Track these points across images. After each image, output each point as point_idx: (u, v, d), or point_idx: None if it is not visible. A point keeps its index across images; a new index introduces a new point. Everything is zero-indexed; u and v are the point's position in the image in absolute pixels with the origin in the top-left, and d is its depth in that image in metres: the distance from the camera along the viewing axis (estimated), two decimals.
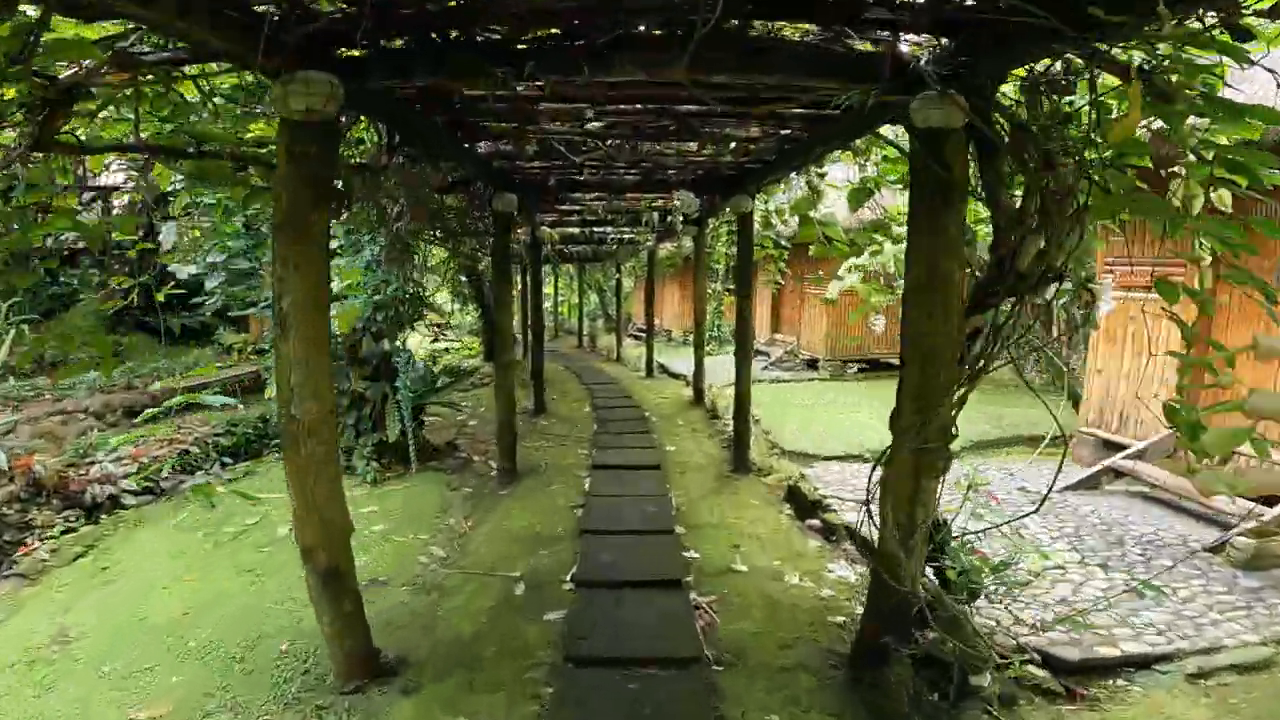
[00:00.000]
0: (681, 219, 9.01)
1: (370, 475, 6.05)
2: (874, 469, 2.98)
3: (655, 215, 9.00)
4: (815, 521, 5.32)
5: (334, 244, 5.57)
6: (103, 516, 5.27)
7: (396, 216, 4.90)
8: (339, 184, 3.45)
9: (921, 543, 2.79)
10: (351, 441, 6.14)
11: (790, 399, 9.94)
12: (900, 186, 4.32)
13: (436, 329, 6.80)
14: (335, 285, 5.19)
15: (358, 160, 3.53)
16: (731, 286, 15.31)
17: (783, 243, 6.75)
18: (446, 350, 11.94)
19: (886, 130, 4.08)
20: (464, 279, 14.48)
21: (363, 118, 3.81)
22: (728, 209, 7.05)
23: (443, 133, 4.07)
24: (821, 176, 5.06)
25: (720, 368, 12.84)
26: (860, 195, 4.18)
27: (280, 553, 4.92)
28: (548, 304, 27.93)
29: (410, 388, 5.60)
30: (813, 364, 13.06)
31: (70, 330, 8.01)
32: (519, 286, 14.54)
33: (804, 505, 5.50)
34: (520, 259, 13.88)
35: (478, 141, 4.78)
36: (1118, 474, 6.07)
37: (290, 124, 2.41)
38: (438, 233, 6.51)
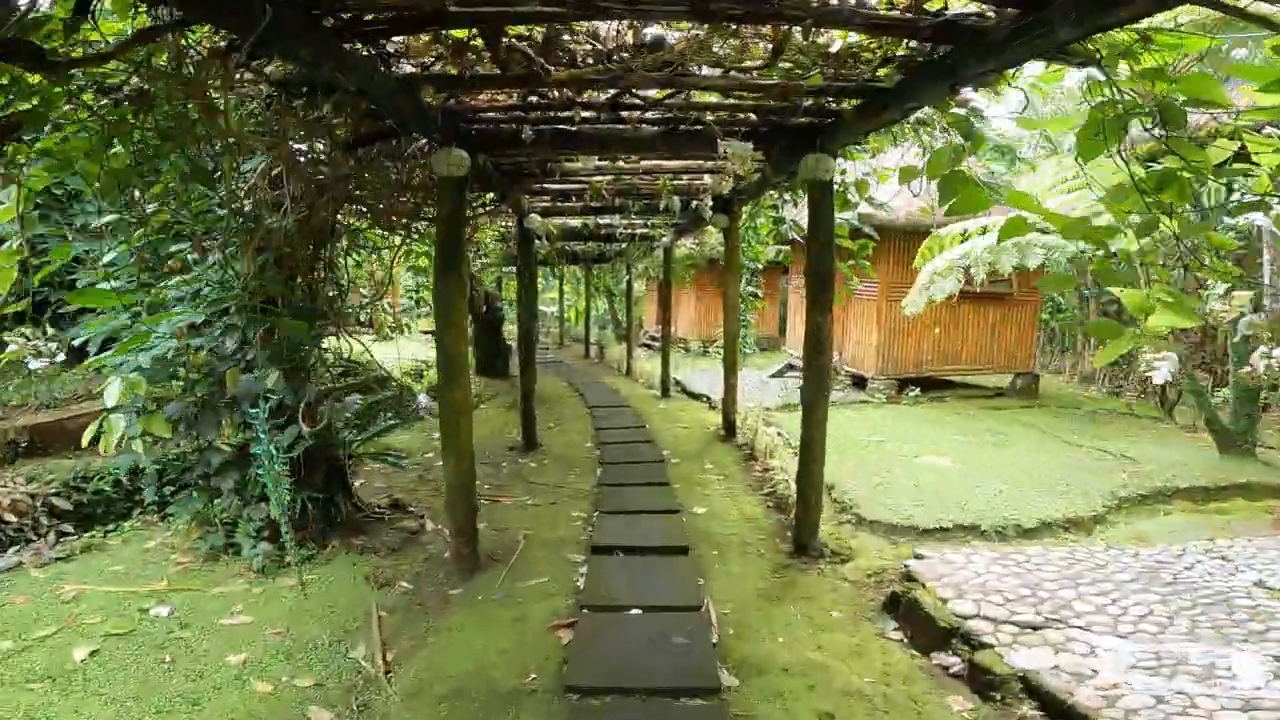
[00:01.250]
0: (710, 206, 7.02)
1: (259, 561, 4.08)
2: None
3: (676, 200, 7.00)
4: (951, 659, 3.29)
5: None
6: None
7: (250, 183, 2.95)
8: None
9: None
10: (236, 512, 4.19)
11: (843, 432, 7.86)
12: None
13: (348, 360, 4.69)
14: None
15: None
16: (756, 289, 13.32)
17: (868, 230, 4.71)
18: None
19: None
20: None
21: None
22: (787, 178, 5.05)
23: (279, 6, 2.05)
24: (979, 115, 3.05)
25: (747, 384, 10.82)
26: (1097, 133, 2.17)
27: (56, 695, 3.02)
28: (553, 309, 25.96)
29: (302, 440, 3.62)
30: (860, 383, 10.99)
31: None
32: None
33: (925, 626, 3.47)
34: (518, 260, 11.92)
35: (375, 39, 2.79)
36: None
37: None
38: (361, 208, 4.53)
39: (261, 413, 2.99)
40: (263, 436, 3.03)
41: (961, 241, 8.47)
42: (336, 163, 3.69)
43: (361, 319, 19.67)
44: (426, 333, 20.46)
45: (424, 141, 4.18)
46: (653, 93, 3.88)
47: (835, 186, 4.40)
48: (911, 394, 9.96)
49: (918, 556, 4.11)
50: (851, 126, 3.67)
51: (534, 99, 3.90)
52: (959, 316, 10.68)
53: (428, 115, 3.44)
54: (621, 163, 5.72)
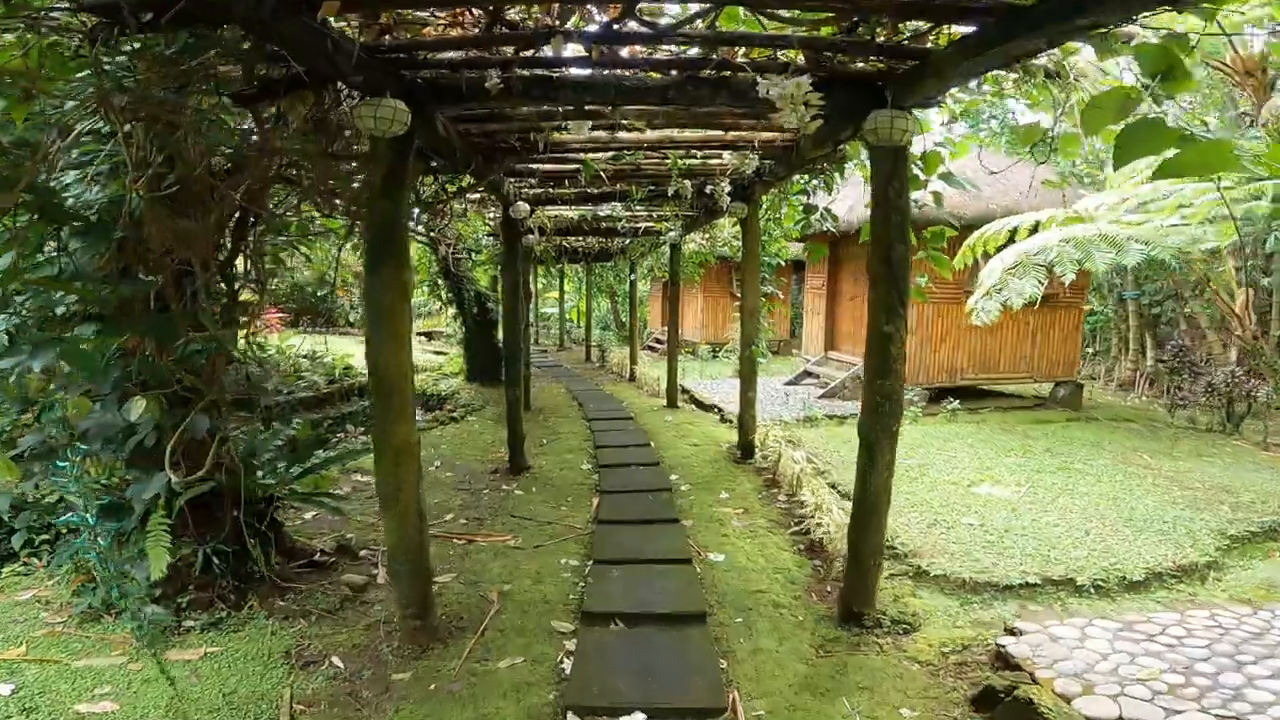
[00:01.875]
0: (728, 192, 6.03)
1: (145, 628, 3.11)
2: None
3: (688, 185, 6.01)
4: None
5: None
6: None
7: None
8: None
9: None
10: (117, 569, 3.23)
11: None
12: None
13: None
14: None
15: None
16: (775, 289, 12.34)
17: (946, 215, 3.73)
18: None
19: None
20: (441, 277, 11.64)
21: None
22: (833, 148, 4.08)
23: None
24: (1184, 44, 2.06)
25: (761, 394, 9.80)
26: None
27: None
28: (554, 310, 24.93)
29: (174, 494, 2.65)
30: None
31: None
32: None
33: None
34: (504, 257, 10.98)
35: None
36: None
37: None
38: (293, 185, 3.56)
39: (71, 468, 2.04)
40: (76, 500, 2.07)
41: (1010, 240, 7.46)
42: (266, 132, 2.73)
43: (352, 319, 18.77)
44: (421, 334, 19.51)
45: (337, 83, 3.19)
46: (665, 19, 2.93)
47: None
48: (950, 406, 8.94)
49: (1011, 632, 3.12)
50: (944, 71, 2.61)
51: (501, 29, 2.93)
52: (998, 320, 9.67)
53: (336, 49, 2.45)
54: (622, 134, 4.76)
